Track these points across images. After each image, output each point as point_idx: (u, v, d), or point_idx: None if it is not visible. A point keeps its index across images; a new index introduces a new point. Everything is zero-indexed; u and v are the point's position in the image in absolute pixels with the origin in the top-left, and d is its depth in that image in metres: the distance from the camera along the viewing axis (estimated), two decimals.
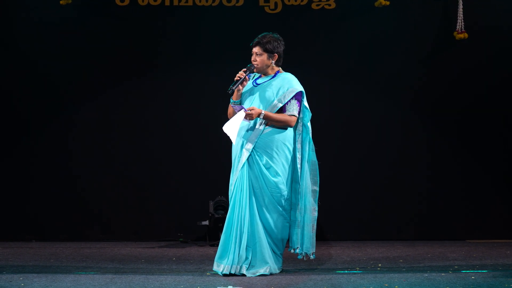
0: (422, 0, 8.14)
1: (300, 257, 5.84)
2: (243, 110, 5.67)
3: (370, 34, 8.14)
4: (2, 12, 8.08)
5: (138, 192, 8.16)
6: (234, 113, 5.81)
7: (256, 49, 5.80)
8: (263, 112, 5.70)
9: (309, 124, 5.84)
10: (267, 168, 5.72)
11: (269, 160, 5.72)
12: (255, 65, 5.81)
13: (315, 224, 5.83)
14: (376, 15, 8.07)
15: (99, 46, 8.12)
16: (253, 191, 5.72)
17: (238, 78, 5.77)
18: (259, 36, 5.82)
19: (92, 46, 8.11)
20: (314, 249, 5.83)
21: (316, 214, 5.82)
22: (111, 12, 8.10)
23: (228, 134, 5.72)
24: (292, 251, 5.85)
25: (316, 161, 5.86)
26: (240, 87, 5.80)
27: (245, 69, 5.80)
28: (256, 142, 5.73)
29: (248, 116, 5.67)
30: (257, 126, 5.75)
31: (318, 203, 5.85)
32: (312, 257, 5.82)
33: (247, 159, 5.72)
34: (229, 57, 7.91)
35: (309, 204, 5.80)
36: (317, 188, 5.84)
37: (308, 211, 5.80)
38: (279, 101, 5.76)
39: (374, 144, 8.18)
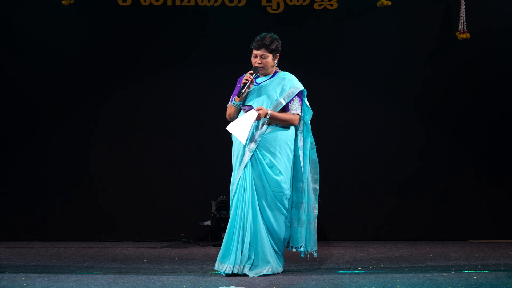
0: (424, 1, 8.14)
1: (303, 255, 5.85)
2: (253, 110, 5.66)
3: (372, 34, 8.14)
4: (5, 13, 8.08)
5: (140, 192, 8.15)
6: (236, 114, 5.81)
7: (261, 52, 5.78)
8: (269, 112, 5.71)
9: (309, 122, 5.86)
10: (270, 167, 5.72)
11: (272, 159, 5.73)
12: (261, 67, 5.81)
13: (316, 222, 5.86)
14: (378, 15, 8.07)
15: (98, 46, 8.12)
16: (255, 190, 5.73)
17: (246, 81, 5.75)
18: (259, 37, 5.80)
19: (91, 46, 8.12)
20: (317, 247, 5.86)
21: (316, 212, 5.86)
22: (112, 12, 8.10)
23: (235, 135, 5.68)
24: (294, 250, 5.85)
25: (317, 159, 5.89)
26: (247, 89, 5.80)
27: (251, 72, 5.79)
28: (259, 141, 5.74)
29: (257, 117, 5.67)
30: (259, 126, 5.76)
31: (318, 201, 5.87)
32: (315, 254, 5.85)
33: (250, 158, 5.73)
34: (230, 57, 7.92)
35: (311, 202, 5.84)
36: (317, 187, 5.88)
37: (311, 209, 5.83)
38: (283, 99, 5.77)
39: (375, 144, 8.17)
